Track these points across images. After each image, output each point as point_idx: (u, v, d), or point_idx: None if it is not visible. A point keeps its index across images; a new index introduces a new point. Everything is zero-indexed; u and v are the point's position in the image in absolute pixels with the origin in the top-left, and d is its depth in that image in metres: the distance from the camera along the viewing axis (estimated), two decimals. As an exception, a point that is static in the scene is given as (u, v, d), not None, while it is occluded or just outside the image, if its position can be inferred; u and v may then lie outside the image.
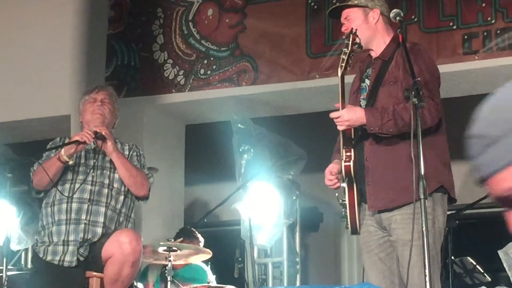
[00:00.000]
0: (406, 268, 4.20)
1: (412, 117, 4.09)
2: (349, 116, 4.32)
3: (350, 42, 4.42)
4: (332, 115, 4.34)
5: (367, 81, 4.54)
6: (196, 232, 6.77)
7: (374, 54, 4.56)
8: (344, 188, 4.41)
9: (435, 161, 4.31)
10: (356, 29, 4.45)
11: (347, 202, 4.42)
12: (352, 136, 4.43)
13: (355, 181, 4.39)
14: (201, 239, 6.73)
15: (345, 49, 4.42)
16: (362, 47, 4.50)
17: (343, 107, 4.34)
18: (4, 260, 4.98)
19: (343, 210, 4.45)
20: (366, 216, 4.45)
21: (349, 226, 4.45)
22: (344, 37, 4.55)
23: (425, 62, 4.41)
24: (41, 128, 7.81)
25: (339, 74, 4.39)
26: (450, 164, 4.47)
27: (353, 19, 4.51)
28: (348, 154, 4.39)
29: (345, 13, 4.57)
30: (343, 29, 4.56)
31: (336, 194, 4.51)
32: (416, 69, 4.22)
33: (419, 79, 4.14)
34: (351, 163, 4.37)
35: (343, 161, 4.38)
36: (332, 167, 4.49)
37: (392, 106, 4.29)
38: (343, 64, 4.39)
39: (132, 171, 4.99)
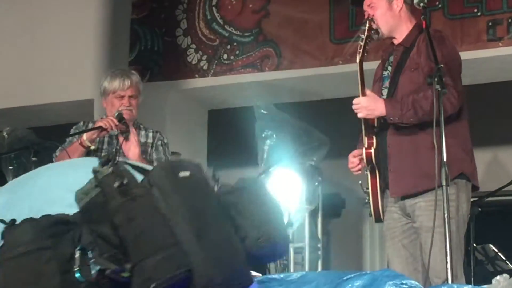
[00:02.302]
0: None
1: (432, 106, 4.09)
2: (367, 104, 4.33)
3: (367, 28, 4.42)
4: (354, 101, 4.37)
5: (390, 69, 4.54)
6: None
7: (396, 41, 4.55)
8: (367, 176, 4.43)
9: (457, 148, 4.30)
10: (373, 15, 4.45)
11: (369, 190, 4.44)
12: (375, 124, 4.44)
13: (377, 168, 4.41)
14: None
15: (362, 36, 4.43)
16: (379, 33, 4.49)
17: (363, 94, 4.35)
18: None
19: (366, 198, 4.47)
20: (390, 203, 4.46)
21: (372, 214, 4.48)
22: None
23: (447, 49, 4.39)
24: (65, 112, 7.84)
25: (357, 60, 4.41)
26: (472, 151, 4.46)
27: (377, 7, 4.49)
28: (370, 141, 4.41)
29: (368, 0, 4.55)
30: (366, 16, 4.54)
31: (360, 182, 4.55)
32: (438, 56, 4.20)
33: (442, 65, 4.13)
34: (372, 150, 4.39)
35: (364, 148, 4.41)
36: (355, 152, 4.53)
37: (412, 95, 4.28)
38: (361, 51, 4.40)
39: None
